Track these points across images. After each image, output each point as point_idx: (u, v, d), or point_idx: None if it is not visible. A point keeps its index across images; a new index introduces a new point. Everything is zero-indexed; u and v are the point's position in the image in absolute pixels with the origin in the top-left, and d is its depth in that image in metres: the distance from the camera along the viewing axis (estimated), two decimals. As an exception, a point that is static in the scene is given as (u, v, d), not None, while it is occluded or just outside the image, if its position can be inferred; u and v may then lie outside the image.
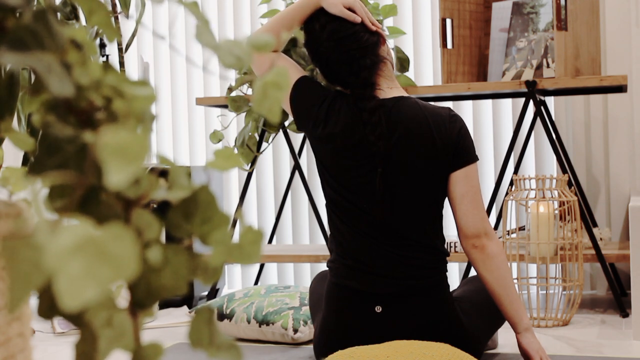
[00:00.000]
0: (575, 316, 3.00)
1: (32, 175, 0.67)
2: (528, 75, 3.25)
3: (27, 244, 0.60)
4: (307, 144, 3.78)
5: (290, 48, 3.08)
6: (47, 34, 0.68)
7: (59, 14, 0.71)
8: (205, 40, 0.72)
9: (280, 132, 3.45)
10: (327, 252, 3.30)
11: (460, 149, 2.13)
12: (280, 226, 4.00)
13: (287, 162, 4.04)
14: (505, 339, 2.54)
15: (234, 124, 3.94)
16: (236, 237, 0.70)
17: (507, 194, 3.02)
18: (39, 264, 0.60)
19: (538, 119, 3.12)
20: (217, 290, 3.56)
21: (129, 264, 0.57)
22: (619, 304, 2.96)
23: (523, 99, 3.49)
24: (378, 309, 2.12)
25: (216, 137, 3.24)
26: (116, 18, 2.86)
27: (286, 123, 3.41)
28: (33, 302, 0.96)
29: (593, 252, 3.03)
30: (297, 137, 3.84)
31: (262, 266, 3.88)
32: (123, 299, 0.68)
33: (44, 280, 0.60)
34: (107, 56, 3.49)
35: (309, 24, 2.19)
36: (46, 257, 0.56)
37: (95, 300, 0.55)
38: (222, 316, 2.79)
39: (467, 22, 3.40)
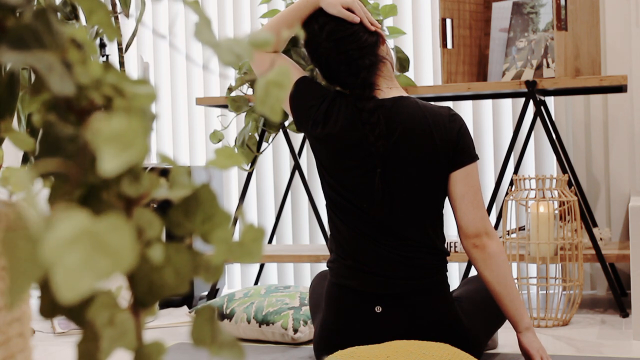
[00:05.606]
0: (575, 316, 3.00)
1: (33, 175, 0.67)
2: (528, 75, 3.25)
3: (25, 237, 0.60)
4: (307, 144, 3.78)
5: (290, 48, 3.08)
6: (47, 33, 0.68)
7: (59, 14, 0.71)
8: (205, 38, 0.72)
9: (280, 132, 3.45)
10: (327, 252, 3.30)
11: (460, 148, 2.13)
12: (280, 226, 4.00)
13: (287, 162, 4.04)
14: (505, 338, 2.54)
15: (234, 124, 3.94)
16: (237, 235, 0.70)
17: (507, 194, 3.02)
18: (36, 256, 0.59)
19: (538, 119, 3.12)
20: (217, 290, 3.56)
21: (126, 255, 0.57)
22: (619, 304, 2.96)
23: (523, 99, 3.49)
24: (378, 309, 2.12)
25: (216, 137, 3.24)
26: (116, 18, 2.86)
27: (286, 123, 3.41)
28: (33, 302, 0.96)
29: (593, 252, 3.03)
30: (297, 137, 3.83)
31: (262, 266, 3.88)
32: (124, 298, 0.68)
33: (42, 273, 0.59)
34: (107, 56, 3.49)
35: (308, 25, 2.19)
36: (43, 249, 0.56)
37: (93, 291, 0.55)
38: (222, 316, 2.79)
39: (467, 22, 3.39)
